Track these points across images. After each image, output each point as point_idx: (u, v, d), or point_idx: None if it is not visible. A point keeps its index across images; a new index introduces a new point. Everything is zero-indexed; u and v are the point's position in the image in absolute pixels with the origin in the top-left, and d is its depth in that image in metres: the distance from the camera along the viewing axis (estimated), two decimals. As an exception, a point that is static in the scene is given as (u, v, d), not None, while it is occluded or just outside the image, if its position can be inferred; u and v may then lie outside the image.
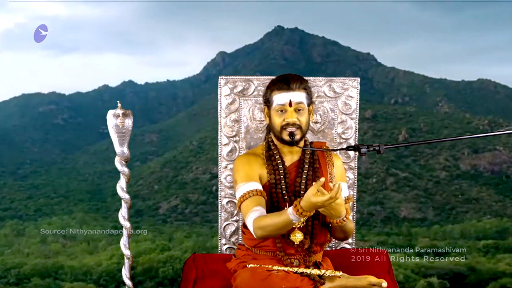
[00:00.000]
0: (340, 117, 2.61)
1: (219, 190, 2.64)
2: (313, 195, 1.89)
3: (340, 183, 1.93)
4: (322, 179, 1.90)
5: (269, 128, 2.30)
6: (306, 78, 2.30)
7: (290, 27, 49.47)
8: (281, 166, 2.21)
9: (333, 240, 2.64)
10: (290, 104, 2.15)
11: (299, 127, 2.16)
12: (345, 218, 2.08)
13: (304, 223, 2.17)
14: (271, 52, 46.15)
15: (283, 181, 2.19)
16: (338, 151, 2.54)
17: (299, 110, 2.16)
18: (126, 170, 2.24)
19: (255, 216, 2.06)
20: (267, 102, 2.23)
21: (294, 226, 2.06)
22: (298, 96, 2.16)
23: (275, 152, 2.24)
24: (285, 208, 2.04)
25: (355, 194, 2.61)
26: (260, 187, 2.16)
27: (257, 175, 2.20)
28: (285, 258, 2.19)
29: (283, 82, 2.17)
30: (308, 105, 2.21)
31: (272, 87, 2.20)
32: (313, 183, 2.08)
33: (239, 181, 2.19)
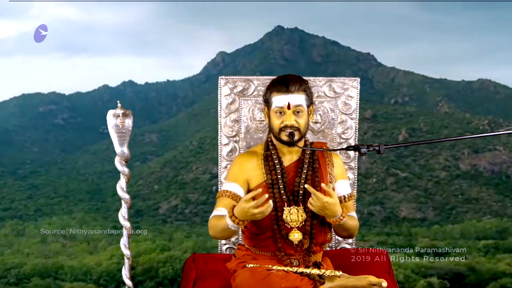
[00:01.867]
0: (340, 117, 2.61)
1: (219, 190, 2.63)
2: (244, 201, 1.92)
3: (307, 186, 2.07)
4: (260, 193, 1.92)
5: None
6: (306, 78, 2.29)
7: (290, 27, 49.53)
8: (278, 166, 2.21)
9: (333, 240, 2.65)
10: (289, 107, 2.14)
11: (297, 129, 2.15)
12: (341, 217, 2.09)
13: (303, 223, 2.17)
14: (271, 52, 46.12)
15: (280, 181, 2.19)
16: (338, 151, 2.54)
17: (298, 112, 2.15)
18: (126, 170, 2.24)
19: (213, 215, 2.14)
20: (267, 102, 2.23)
21: (234, 230, 2.03)
22: (297, 98, 2.15)
23: (273, 152, 2.24)
24: (287, 207, 2.15)
25: (355, 194, 2.60)
26: (237, 190, 2.18)
27: (243, 177, 2.22)
28: (284, 258, 2.18)
29: (282, 84, 2.16)
30: (308, 106, 2.20)
31: (272, 88, 2.19)
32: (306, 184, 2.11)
33: (226, 179, 2.28)
